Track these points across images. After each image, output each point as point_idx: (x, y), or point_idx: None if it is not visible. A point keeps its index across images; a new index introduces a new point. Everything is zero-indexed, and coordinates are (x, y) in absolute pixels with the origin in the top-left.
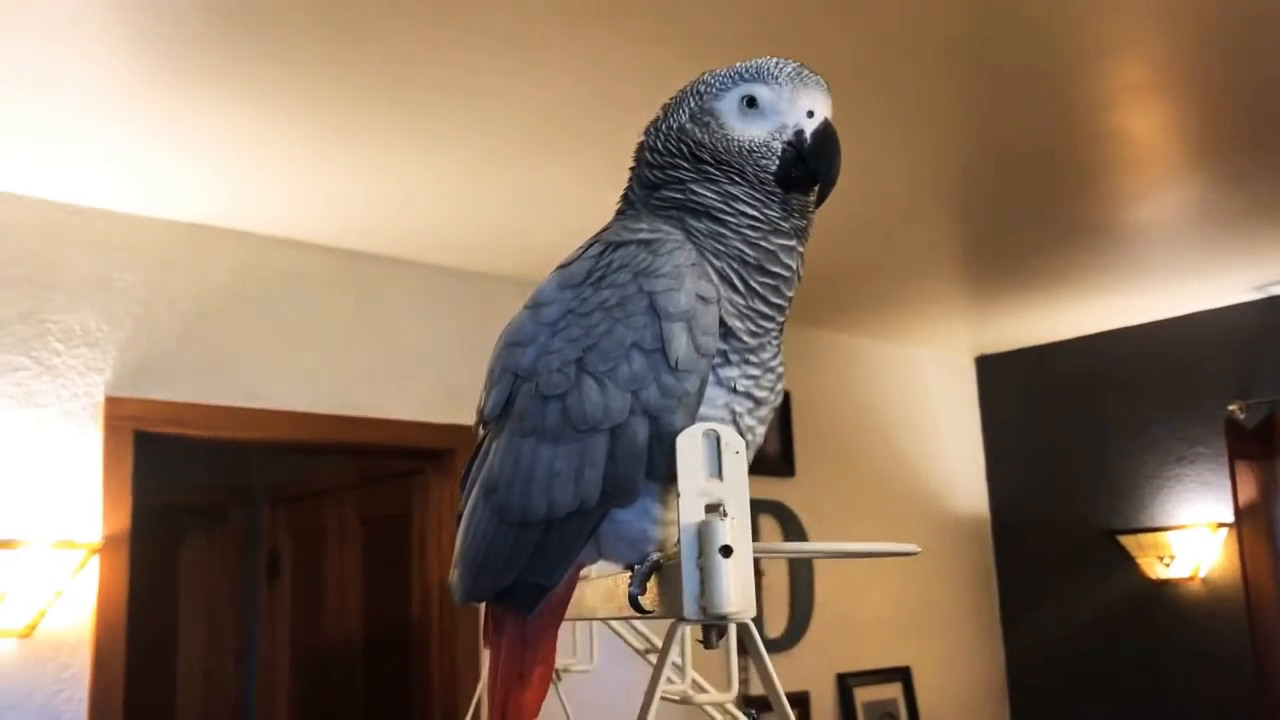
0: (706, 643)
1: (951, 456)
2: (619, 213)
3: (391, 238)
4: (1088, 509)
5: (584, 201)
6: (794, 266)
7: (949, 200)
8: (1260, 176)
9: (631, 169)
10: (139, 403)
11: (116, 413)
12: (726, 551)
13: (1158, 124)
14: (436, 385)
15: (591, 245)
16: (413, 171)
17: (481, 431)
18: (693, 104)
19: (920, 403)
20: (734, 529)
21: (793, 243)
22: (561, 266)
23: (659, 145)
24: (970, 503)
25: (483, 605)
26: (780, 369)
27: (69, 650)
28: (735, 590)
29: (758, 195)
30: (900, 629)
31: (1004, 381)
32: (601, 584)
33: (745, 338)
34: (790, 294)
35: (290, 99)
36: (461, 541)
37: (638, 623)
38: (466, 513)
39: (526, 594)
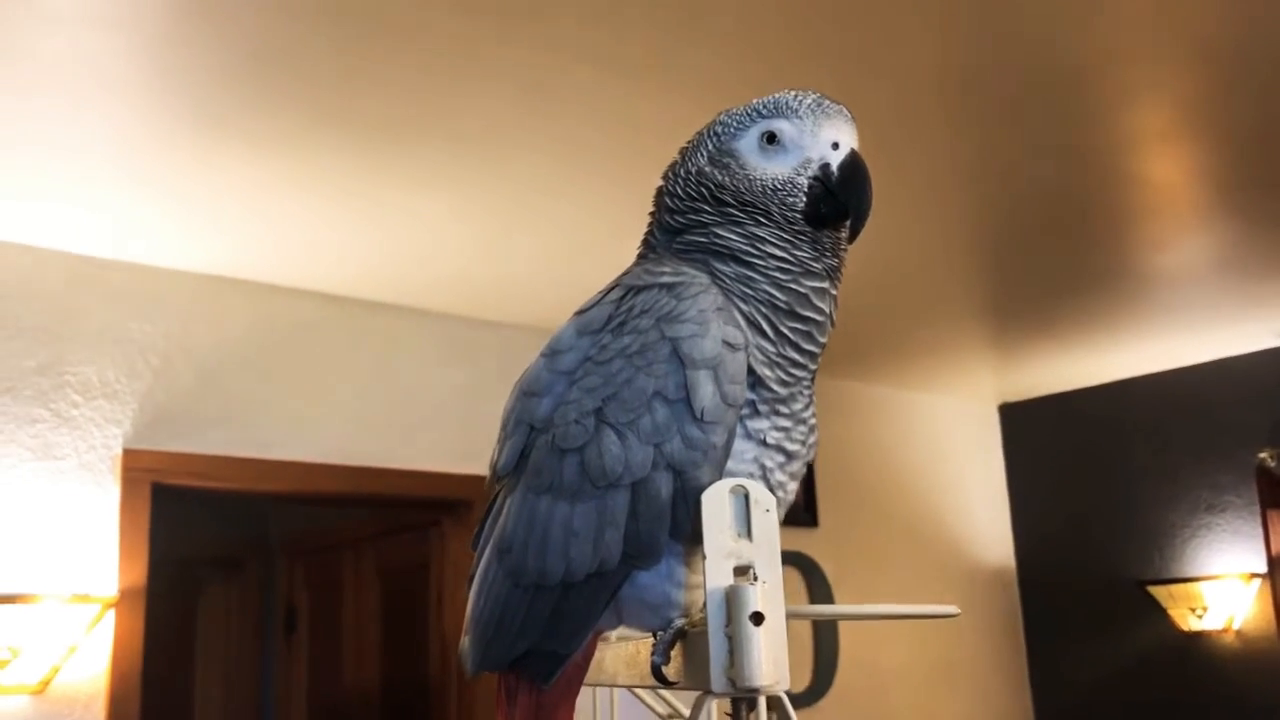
0: (735, 717)
1: (976, 506)
2: (640, 257)
3: (407, 288)
4: (1116, 559)
5: (604, 250)
6: (827, 310)
7: (971, 247)
8: None
9: (651, 214)
10: (156, 455)
11: (134, 465)
12: (757, 619)
13: (1181, 168)
14: (454, 435)
15: (611, 290)
16: (429, 221)
17: (495, 487)
18: (711, 145)
19: (944, 452)
20: (765, 594)
21: (825, 284)
22: (580, 312)
23: (679, 190)
24: (996, 553)
25: None
26: (813, 420)
27: (83, 706)
28: (768, 661)
29: (786, 236)
30: (927, 683)
31: (1028, 429)
32: (623, 648)
33: (775, 387)
34: (823, 340)
35: (305, 150)
36: (473, 606)
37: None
38: (479, 575)
39: (542, 662)
